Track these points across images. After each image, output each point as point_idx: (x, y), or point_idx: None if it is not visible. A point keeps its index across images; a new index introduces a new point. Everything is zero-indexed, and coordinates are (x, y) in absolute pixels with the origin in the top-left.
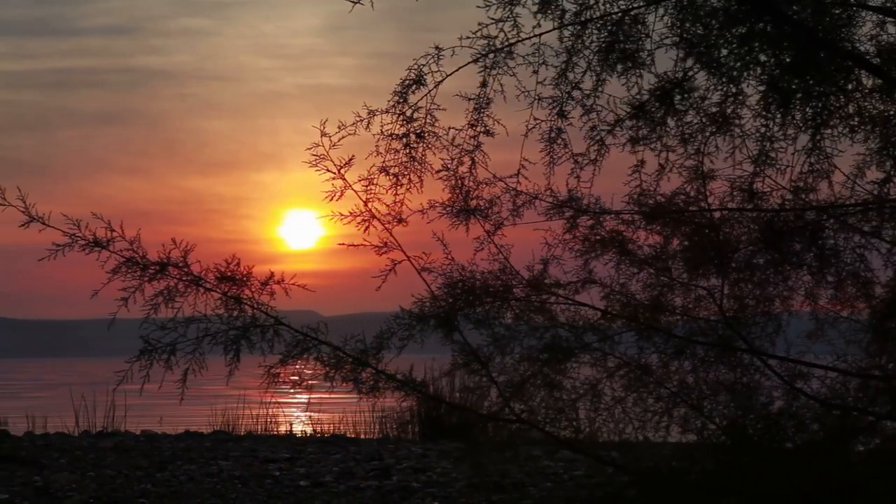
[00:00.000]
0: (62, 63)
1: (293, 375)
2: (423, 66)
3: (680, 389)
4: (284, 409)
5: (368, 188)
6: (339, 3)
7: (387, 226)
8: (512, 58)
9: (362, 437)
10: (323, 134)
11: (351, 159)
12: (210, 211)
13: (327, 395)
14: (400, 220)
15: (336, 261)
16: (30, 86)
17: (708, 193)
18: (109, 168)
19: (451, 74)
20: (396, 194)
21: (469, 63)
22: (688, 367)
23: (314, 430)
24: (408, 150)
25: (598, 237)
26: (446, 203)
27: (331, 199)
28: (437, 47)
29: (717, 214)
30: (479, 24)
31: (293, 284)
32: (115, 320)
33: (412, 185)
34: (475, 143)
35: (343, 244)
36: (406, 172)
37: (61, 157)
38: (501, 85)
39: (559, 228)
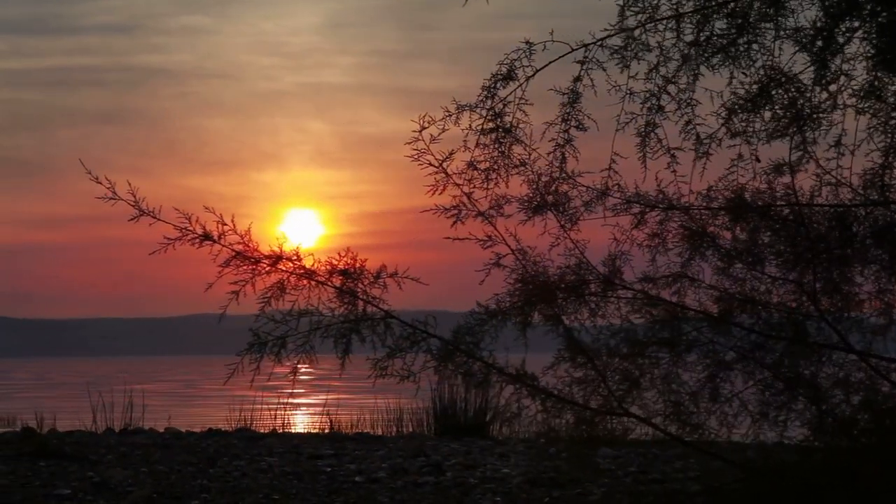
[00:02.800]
0: (62, 62)
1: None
2: (515, 60)
3: (796, 384)
4: (300, 409)
5: (469, 183)
6: (338, 0)
7: (491, 220)
8: (649, 49)
9: (380, 433)
10: (422, 128)
11: (452, 153)
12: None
13: (343, 395)
14: (482, 215)
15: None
16: (30, 85)
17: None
18: (109, 168)
19: (542, 69)
20: (487, 189)
21: (558, 58)
22: (789, 363)
23: (335, 428)
24: (498, 146)
25: (687, 231)
26: (524, 198)
27: (433, 193)
28: (527, 42)
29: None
30: (619, 16)
31: (405, 278)
32: (113, 320)
33: (501, 180)
34: (566, 138)
35: (448, 238)
36: (496, 167)
37: (61, 156)
38: (592, 80)
39: (648, 224)
